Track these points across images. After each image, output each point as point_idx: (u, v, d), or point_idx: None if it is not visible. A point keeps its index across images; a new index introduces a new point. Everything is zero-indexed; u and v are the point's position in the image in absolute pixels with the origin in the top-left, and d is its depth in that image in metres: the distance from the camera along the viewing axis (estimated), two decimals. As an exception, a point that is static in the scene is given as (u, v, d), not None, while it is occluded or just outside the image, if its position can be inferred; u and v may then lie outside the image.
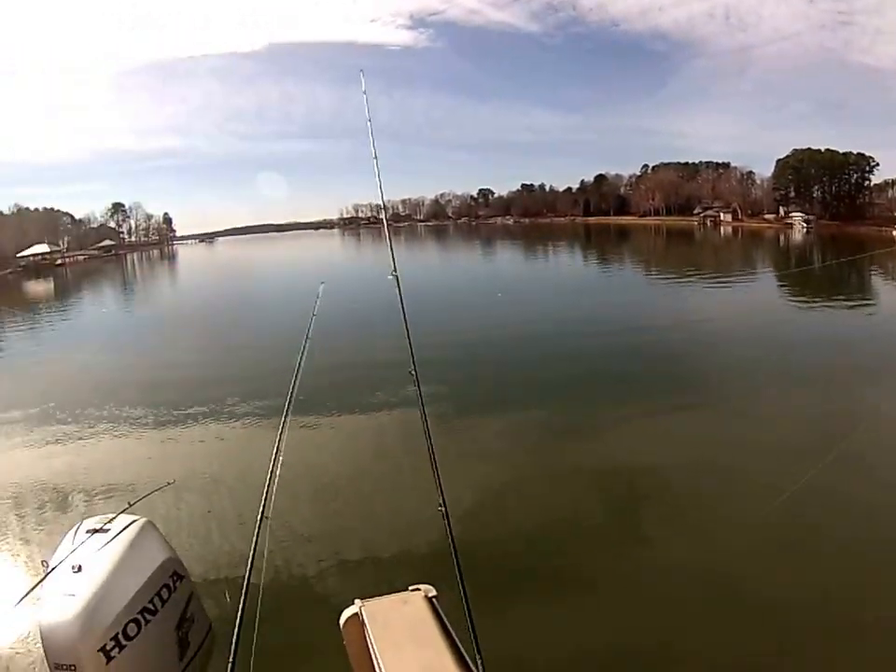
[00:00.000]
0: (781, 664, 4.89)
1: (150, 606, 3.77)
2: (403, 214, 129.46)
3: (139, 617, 3.66)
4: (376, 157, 5.23)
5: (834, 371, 13.13)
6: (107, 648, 3.44)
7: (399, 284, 4.28)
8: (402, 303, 4.00)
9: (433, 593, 2.85)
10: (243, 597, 2.86)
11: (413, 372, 3.70)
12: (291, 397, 4.39)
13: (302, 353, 4.84)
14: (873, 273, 33.20)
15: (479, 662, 2.51)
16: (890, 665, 4.74)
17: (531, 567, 6.33)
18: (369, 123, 5.41)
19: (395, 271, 4.42)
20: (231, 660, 2.62)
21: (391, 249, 4.71)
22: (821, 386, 12.14)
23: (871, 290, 28.27)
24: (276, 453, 3.74)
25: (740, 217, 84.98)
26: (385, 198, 5.32)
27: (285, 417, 4.17)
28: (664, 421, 10.56)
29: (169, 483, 5.02)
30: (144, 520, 4.17)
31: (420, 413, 3.52)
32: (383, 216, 5.28)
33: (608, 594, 5.90)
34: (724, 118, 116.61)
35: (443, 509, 3.04)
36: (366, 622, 2.74)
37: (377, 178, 5.18)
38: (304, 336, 5.06)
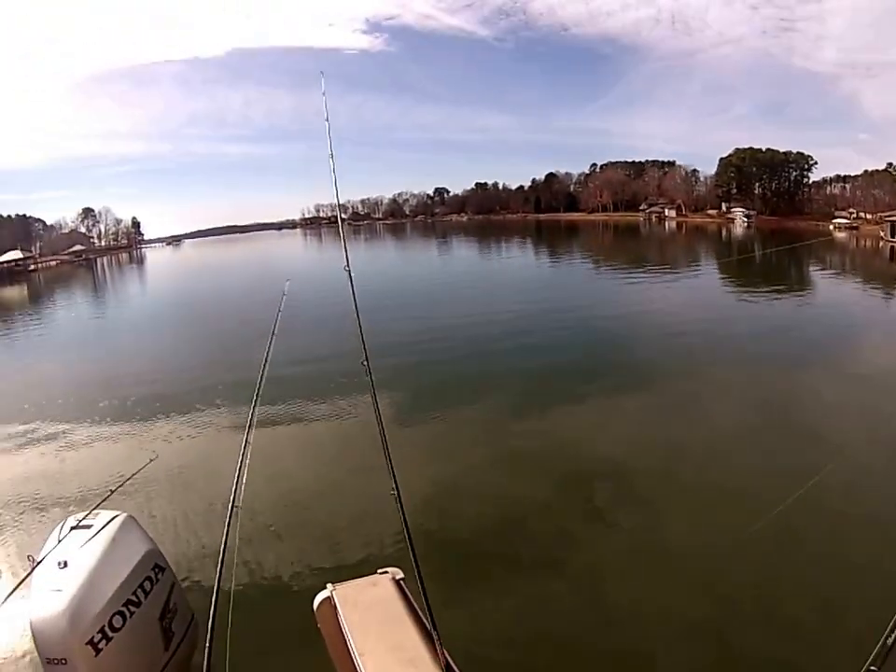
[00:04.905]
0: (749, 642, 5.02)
1: (134, 598, 3.80)
2: (363, 213, 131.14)
3: (124, 609, 3.70)
4: (332, 154, 5.27)
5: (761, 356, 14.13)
6: (95, 640, 3.48)
7: (351, 279, 4.46)
8: (354, 297, 4.20)
9: (400, 575, 3.07)
10: (216, 588, 2.92)
11: (366, 363, 3.83)
12: (258, 393, 4.45)
13: (269, 349, 4.91)
14: (810, 263, 34.92)
15: (436, 637, 2.61)
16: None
17: (491, 552, 6.39)
18: (327, 123, 5.45)
19: (347, 266, 4.55)
20: (207, 648, 2.70)
21: (345, 247, 4.77)
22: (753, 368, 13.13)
23: (807, 280, 29.98)
24: (245, 447, 3.78)
25: (684, 212, 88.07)
26: (344, 198, 5.52)
27: (252, 412, 4.24)
28: (612, 406, 11.03)
29: (151, 461, 5.03)
30: (125, 515, 4.22)
31: (373, 404, 3.63)
32: (338, 214, 5.39)
33: (561, 576, 5.97)
34: (670, 119, 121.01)
35: (396, 492, 3.09)
36: (337, 605, 2.95)
37: (332, 175, 5.19)
38: (270, 333, 5.12)
